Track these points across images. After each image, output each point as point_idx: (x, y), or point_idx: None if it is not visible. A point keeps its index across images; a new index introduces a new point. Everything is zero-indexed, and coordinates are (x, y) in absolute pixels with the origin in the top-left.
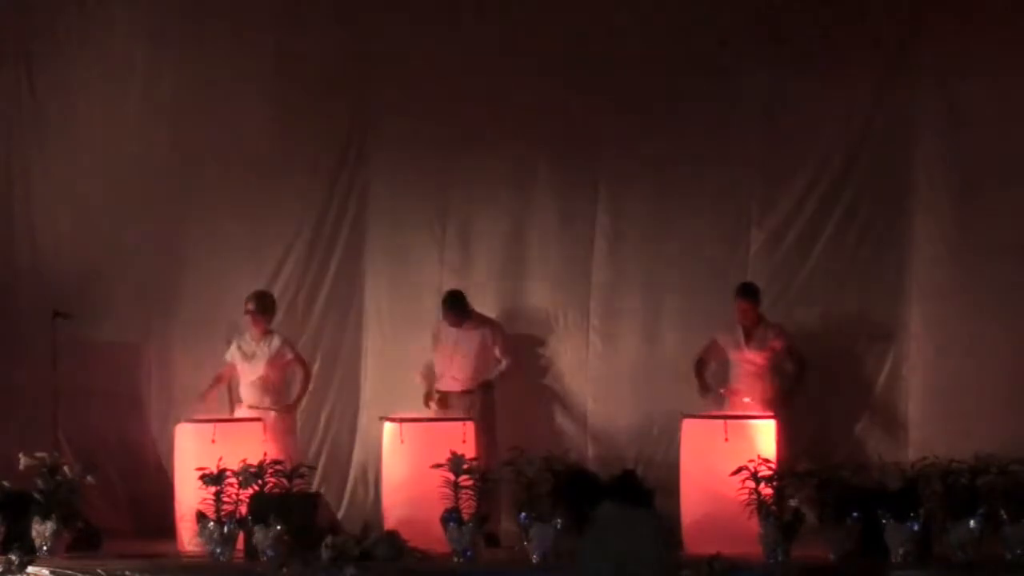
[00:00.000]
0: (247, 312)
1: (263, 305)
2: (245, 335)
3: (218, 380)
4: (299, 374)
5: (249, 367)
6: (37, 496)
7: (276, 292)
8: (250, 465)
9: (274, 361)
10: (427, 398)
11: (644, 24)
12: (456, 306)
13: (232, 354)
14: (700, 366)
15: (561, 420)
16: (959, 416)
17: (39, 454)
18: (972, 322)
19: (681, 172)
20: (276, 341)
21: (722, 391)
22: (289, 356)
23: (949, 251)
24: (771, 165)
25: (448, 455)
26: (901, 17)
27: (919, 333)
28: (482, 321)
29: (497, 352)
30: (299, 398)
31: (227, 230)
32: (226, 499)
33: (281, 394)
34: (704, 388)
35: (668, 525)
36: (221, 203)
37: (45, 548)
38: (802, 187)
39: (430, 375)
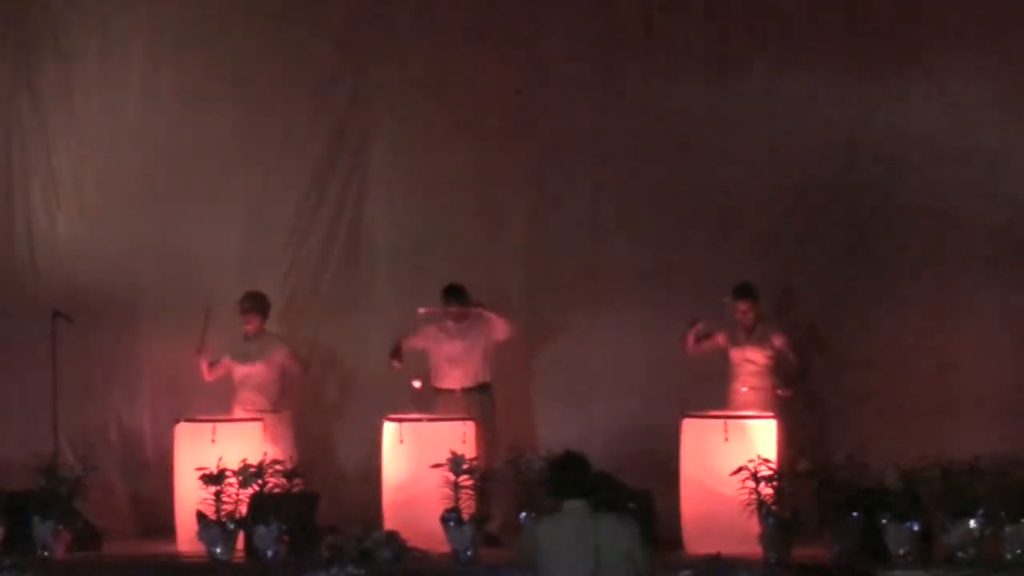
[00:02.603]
0: (242, 313)
1: (257, 305)
2: (240, 335)
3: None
4: (296, 370)
5: (245, 367)
6: (37, 496)
7: (276, 290)
8: (250, 465)
9: (270, 360)
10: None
11: (643, 23)
12: (457, 298)
13: (228, 353)
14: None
15: (561, 420)
16: (959, 416)
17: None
18: (971, 321)
19: (680, 171)
20: (271, 340)
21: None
22: (284, 355)
23: (948, 250)
24: (771, 164)
25: (448, 455)
26: (901, 17)
27: (918, 333)
28: (479, 315)
29: (500, 331)
30: (294, 396)
31: (226, 228)
32: (226, 499)
33: (276, 394)
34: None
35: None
36: (220, 201)
37: (45, 548)
38: (801, 186)
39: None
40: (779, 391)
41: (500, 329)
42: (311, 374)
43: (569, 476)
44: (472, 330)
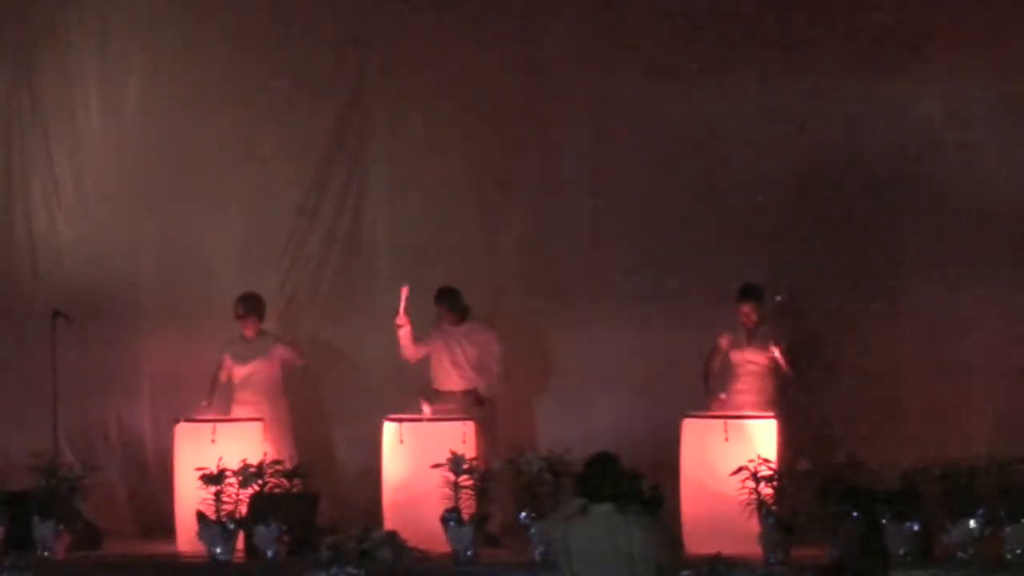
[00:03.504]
0: (237, 316)
1: (252, 307)
2: (236, 337)
3: (214, 384)
4: (295, 361)
5: (246, 367)
6: (37, 496)
7: (275, 290)
8: (250, 465)
9: (270, 357)
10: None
11: (643, 23)
12: (449, 301)
13: (226, 354)
14: (707, 373)
15: (561, 420)
16: (959, 416)
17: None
18: (971, 321)
19: (679, 171)
20: (269, 341)
21: (722, 396)
22: (282, 349)
23: (949, 250)
24: (771, 164)
25: (448, 455)
26: (901, 16)
27: (918, 332)
28: (480, 324)
29: (492, 361)
30: (293, 393)
31: (226, 228)
32: (226, 499)
33: (277, 392)
34: (709, 394)
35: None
36: (220, 201)
37: (45, 548)
38: (801, 186)
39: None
40: (780, 392)
41: (494, 371)
42: (311, 373)
43: (601, 479)
44: (474, 335)
